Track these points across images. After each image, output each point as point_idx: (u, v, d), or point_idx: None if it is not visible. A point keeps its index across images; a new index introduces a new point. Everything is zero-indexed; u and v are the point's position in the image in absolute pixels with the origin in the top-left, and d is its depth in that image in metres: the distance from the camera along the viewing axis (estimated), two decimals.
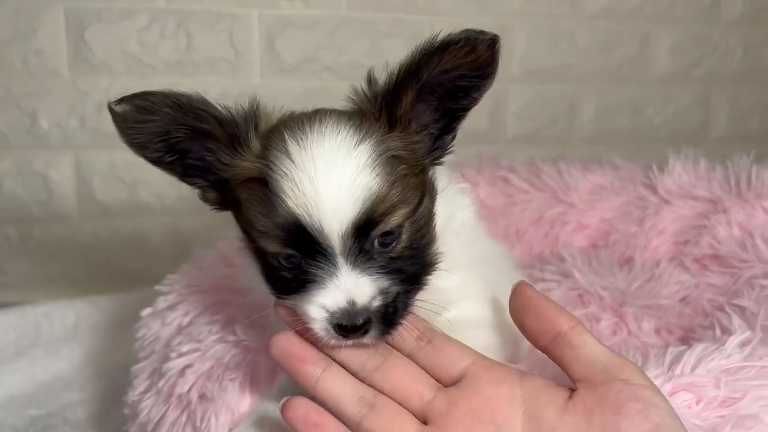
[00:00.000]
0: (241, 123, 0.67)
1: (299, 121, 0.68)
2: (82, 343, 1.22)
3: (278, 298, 0.69)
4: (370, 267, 0.65)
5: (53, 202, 1.61)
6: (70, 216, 1.63)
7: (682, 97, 1.99)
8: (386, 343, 0.68)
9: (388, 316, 0.65)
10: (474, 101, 0.70)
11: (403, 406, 0.66)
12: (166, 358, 0.85)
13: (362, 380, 0.67)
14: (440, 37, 0.64)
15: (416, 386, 0.66)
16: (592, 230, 1.21)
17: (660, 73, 1.95)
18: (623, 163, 1.28)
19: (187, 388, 0.80)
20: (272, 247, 0.66)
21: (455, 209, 0.78)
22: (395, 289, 0.66)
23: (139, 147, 0.67)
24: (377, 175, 0.64)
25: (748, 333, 0.74)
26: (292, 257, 0.66)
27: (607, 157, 1.31)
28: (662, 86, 1.96)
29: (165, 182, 1.65)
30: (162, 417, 0.80)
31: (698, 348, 0.71)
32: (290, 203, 0.63)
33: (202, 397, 0.79)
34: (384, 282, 0.65)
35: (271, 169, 0.64)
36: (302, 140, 0.65)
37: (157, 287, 0.97)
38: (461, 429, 0.62)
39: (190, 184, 0.73)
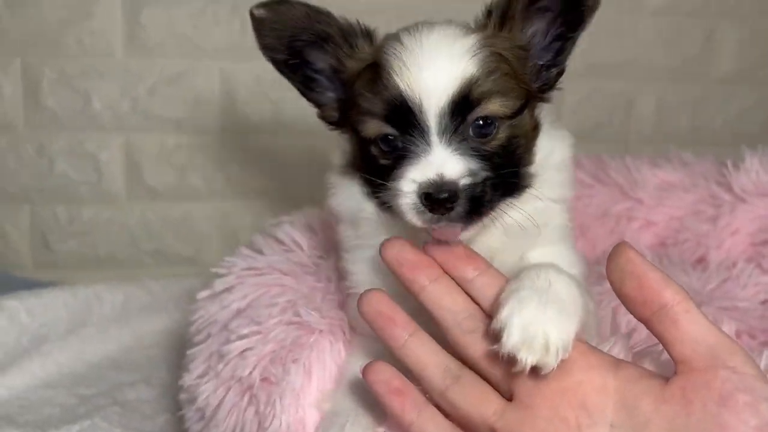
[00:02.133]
0: (359, 33, 0.77)
1: (415, 24, 0.75)
2: (130, 325, 1.20)
3: (374, 192, 0.73)
4: (462, 148, 0.68)
5: (102, 183, 1.61)
6: (119, 198, 1.62)
7: (745, 98, 1.91)
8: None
9: (476, 198, 0.67)
10: (581, 21, 0.75)
11: (488, 378, 0.63)
12: (225, 341, 0.82)
13: (455, 338, 0.65)
14: None
15: None
16: (660, 228, 1.15)
17: (723, 72, 1.88)
18: (693, 159, 1.22)
19: (248, 371, 0.77)
20: (374, 127, 0.71)
21: (555, 147, 0.79)
22: (485, 173, 0.68)
23: (269, 49, 0.78)
24: (477, 62, 0.69)
25: None
26: (390, 138, 0.71)
27: (676, 154, 1.25)
28: (725, 86, 1.88)
29: (213, 167, 1.64)
30: (221, 401, 0.78)
31: None
32: (396, 77, 0.69)
33: (265, 380, 0.76)
34: (474, 164, 0.68)
35: (384, 53, 0.71)
36: (413, 30, 0.72)
37: (214, 269, 0.95)
38: (547, 409, 0.58)
39: (310, 99, 0.82)
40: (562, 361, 0.58)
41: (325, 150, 1.66)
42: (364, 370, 0.66)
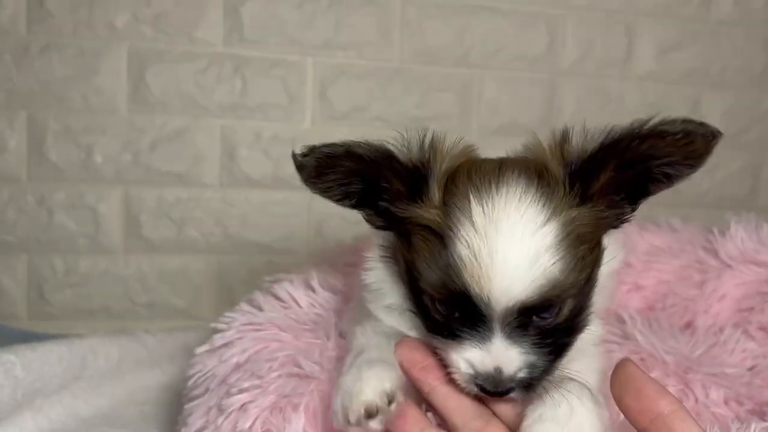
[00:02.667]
0: (419, 169, 0.67)
1: (485, 180, 0.65)
2: (124, 380, 1.20)
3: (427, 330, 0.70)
4: (523, 341, 0.65)
5: (100, 235, 1.63)
6: (116, 250, 1.64)
7: (731, 163, 1.97)
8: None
9: (532, 384, 0.66)
10: (672, 185, 0.68)
11: None
12: (225, 395, 0.83)
13: None
14: (655, 121, 0.62)
15: None
16: (649, 292, 1.18)
17: None
18: (681, 225, 1.25)
19: (249, 424, 0.77)
20: (432, 293, 0.66)
21: (611, 263, 0.74)
22: (542, 363, 0.66)
23: (322, 191, 0.70)
24: (559, 259, 0.62)
25: None
26: (448, 305, 0.66)
27: (664, 219, 1.28)
28: None
29: (210, 221, 1.66)
30: None
31: None
32: (465, 273, 0.62)
33: None
34: (533, 357, 0.65)
35: (450, 229, 0.63)
36: (487, 207, 0.63)
37: (213, 325, 0.96)
38: None
39: (359, 211, 0.73)
40: None
41: (321, 206, 1.70)
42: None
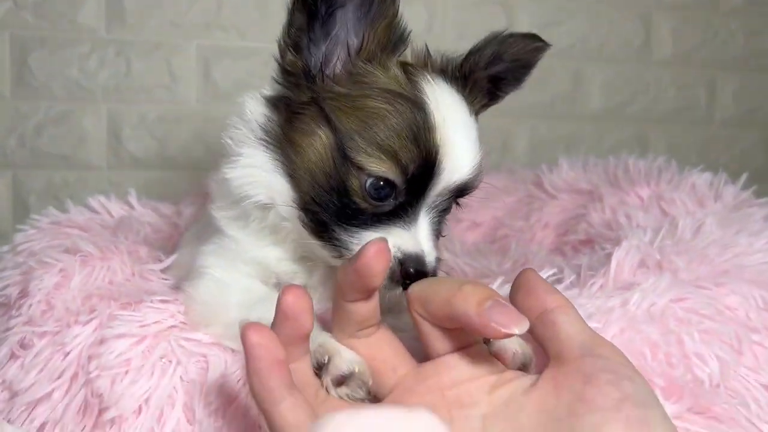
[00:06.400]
0: (403, 42, 0.76)
1: (422, 72, 0.75)
2: None
3: (318, 215, 0.71)
4: (435, 228, 0.73)
5: None
6: (5, 234, 1.66)
7: (616, 134, 2.04)
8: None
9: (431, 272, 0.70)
10: (511, 89, 0.87)
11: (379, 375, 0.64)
12: None
13: (352, 338, 0.64)
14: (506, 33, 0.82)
15: (394, 359, 0.64)
16: (485, 228, 1.23)
17: (593, 110, 2.01)
18: (520, 168, 1.31)
19: (10, 290, 0.83)
20: (377, 165, 0.69)
21: None
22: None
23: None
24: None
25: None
26: (386, 188, 0.69)
27: (507, 164, 1.34)
28: (596, 123, 2.01)
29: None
30: None
31: None
32: (437, 135, 0.69)
33: (23, 296, 0.81)
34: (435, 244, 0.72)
35: (423, 95, 0.71)
36: (439, 94, 0.73)
37: (19, 225, 1.02)
38: (419, 399, 0.60)
39: (287, 37, 0.75)
40: (447, 360, 0.62)
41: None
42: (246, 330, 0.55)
